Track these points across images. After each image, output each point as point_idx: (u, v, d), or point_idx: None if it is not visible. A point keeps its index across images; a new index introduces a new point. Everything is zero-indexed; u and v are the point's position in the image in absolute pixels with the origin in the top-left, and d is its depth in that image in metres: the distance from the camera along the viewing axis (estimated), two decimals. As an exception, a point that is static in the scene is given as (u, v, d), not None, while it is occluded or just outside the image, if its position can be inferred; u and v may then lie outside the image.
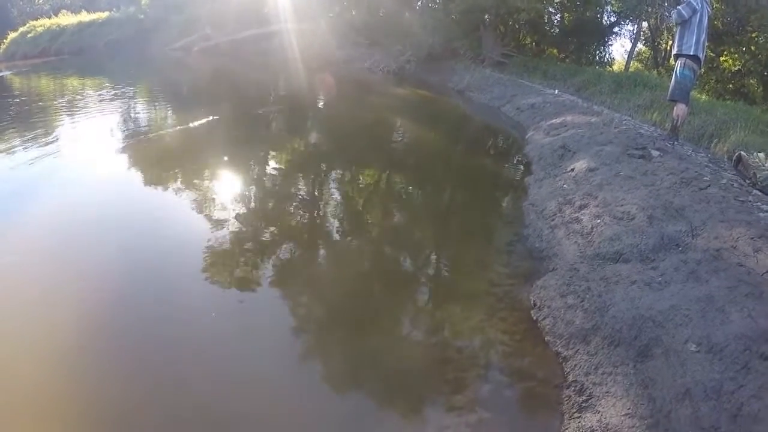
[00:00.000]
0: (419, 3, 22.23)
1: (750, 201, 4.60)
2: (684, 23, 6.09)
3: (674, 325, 2.97)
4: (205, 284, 4.03)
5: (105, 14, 31.50)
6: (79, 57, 26.12)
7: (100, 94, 13.23)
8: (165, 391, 2.91)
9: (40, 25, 31.22)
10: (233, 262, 4.40)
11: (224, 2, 24.66)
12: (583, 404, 2.83)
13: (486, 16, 17.28)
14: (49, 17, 32.82)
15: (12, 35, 31.11)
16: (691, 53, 6.11)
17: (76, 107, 11.17)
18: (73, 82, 16.70)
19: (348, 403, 3.01)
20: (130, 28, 29.04)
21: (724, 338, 2.72)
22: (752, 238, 3.64)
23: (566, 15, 18.89)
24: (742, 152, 5.88)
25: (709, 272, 3.36)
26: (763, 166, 5.43)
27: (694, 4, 5.98)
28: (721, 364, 2.60)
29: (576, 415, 2.79)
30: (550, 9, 18.63)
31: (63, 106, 11.38)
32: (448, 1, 18.68)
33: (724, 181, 5.18)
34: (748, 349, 2.61)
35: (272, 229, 5.10)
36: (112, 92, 13.53)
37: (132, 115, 10.73)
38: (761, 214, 4.23)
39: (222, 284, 4.05)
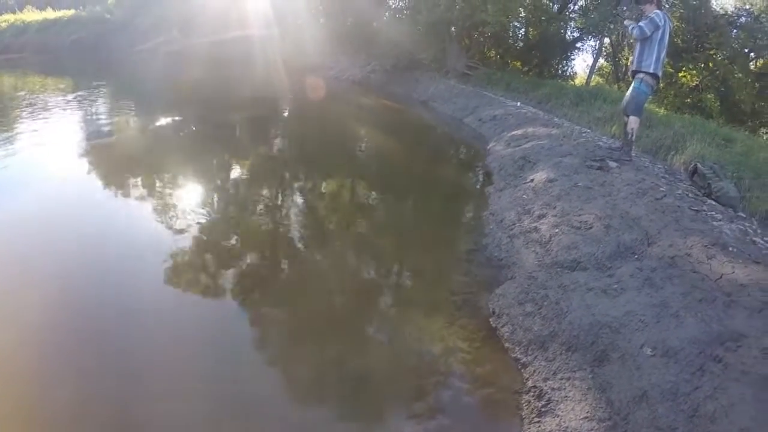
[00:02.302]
0: (386, 14, 22.32)
1: (704, 210, 4.73)
2: (645, 40, 6.04)
3: (630, 331, 3.02)
4: (163, 294, 3.92)
5: (71, 12, 30.63)
6: (43, 55, 25.24)
7: (62, 96, 12.80)
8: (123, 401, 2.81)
9: (4, 21, 30.15)
10: (191, 270, 4.30)
11: (192, 6, 24.31)
12: (543, 409, 2.84)
13: (452, 29, 17.43)
14: (14, 12, 31.88)
15: (-26, 30, 30.10)
16: (651, 71, 6.08)
17: (37, 108, 10.78)
18: (34, 82, 16.16)
19: (309, 411, 2.97)
20: (95, 27, 28.33)
21: (678, 342, 2.77)
22: (706, 245, 3.73)
23: (531, 29, 19.18)
24: (698, 163, 6.03)
25: (663, 279, 3.42)
26: (717, 176, 5.58)
27: (657, 20, 5.92)
28: (677, 367, 2.64)
29: (536, 419, 2.80)
30: (515, 23, 18.90)
31: (23, 107, 10.97)
32: (415, 13, 18.73)
33: (680, 191, 5.31)
34: (703, 352, 2.67)
35: (231, 239, 4.97)
36: (74, 95, 13.12)
37: (92, 118, 10.43)
38: (715, 223, 4.35)
39: (181, 293, 3.95)
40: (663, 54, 6.12)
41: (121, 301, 3.78)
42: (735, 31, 14.84)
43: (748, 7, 14.89)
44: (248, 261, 4.59)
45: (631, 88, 6.43)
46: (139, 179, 6.42)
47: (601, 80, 20.45)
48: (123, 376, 3.01)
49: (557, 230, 4.64)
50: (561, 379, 2.99)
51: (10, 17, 30.71)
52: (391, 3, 23.32)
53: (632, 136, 6.50)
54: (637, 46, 6.25)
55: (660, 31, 5.97)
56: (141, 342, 3.34)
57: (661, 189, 5.17)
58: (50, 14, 30.80)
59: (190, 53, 23.40)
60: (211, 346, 3.39)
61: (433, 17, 16.77)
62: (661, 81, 7.08)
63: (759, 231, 4.58)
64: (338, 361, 3.36)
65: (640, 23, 6.05)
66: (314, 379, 3.21)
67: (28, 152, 7.19)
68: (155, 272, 4.18)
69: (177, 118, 10.55)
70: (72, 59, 23.64)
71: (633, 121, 6.38)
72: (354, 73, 19.07)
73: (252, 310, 3.88)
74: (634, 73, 6.34)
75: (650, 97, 6.67)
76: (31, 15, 31.11)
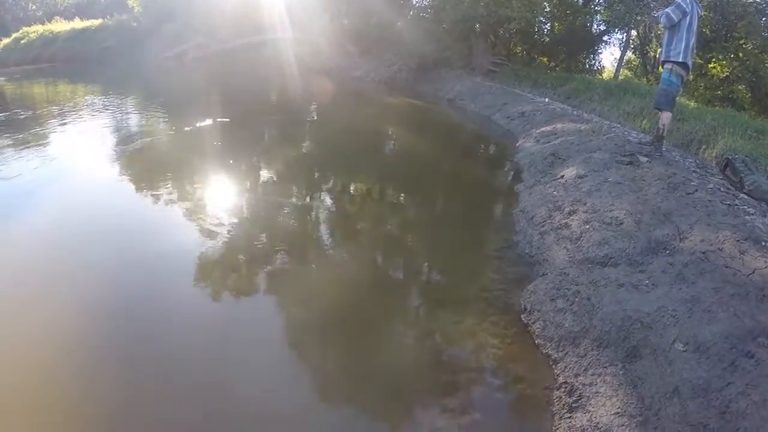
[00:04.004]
0: (411, 12, 22.33)
1: (736, 204, 4.68)
2: (673, 27, 5.85)
3: (662, 326, 3.02)
4: (199, 295, 4.03)
5: (98, 21, 31.04)
6: (72, 64, 25.83)
7: (92, 103, 13.12)
8: (156, 401, 2.92)
9: (33, 32, 30.77)
10: (227, 272, 4.40)
11: (217, 11, 24.65)
12: (574, 404, 2.87)
13: (477, 26, 17.37)
14: (42, 23, 32.59)
15: (5, 41, 30.77)
16: (680, 60, 5.89)
17: (69, 115, 11.09)
18: (65, 90, 16.60)
19: (343, 406, 3.04)
20: (123, 35, 28.81)
21: (710, 337, 2.77)
22: (738, 240, 3.71)
23: (556, 24, 19.04)
24: (729, 157, 5.94)
25: (695, 274, 3.41)
26: (749, 170, 5.51)
27: (684, 6, 5.73)
28: (709, 363, 2.65)
29: (567, 415, 2.83)
30: (540, 18, 18.75)
31: (55, 114, 11.29)
32: (440, 11, 18.73)
33: (711, 185, 5.25)
34: (735, 347, 2.67)
35: (266, 239, 5.07)
36: (105, 101, 13.43)
37: (123, 124, 10.66)
38: (747, 217, 4.31)
39: (216, 294, 4.05)
40: (692, 41, 5.91)
41: (159, 301, 3.92)
42: (764, 19, 14.49)
43: (775, -6, 14.55)
44: (280, 259, 4.68)
45: (661, 80, 6.29)
46: (177, 181, 6.62)
47: (629, 73, 20.21)
48: (153, 376, 3.13)
49: (588, 226, 4.64)
50: (592, 374, 3.02)
51: (39, 28, 31.30)
52: (414, 2, 23.36)
53: (663, 131, 6.38)
54: (665, 34, 6.09)
55: (688, 17, 5.79)
56: (174, 340, 3.47)
57: (693, 183, 5.12)
58: (78, 24, 31.27)
59: (216, 58, 23.73)
60: (246, 343, 3.49)
61: (458, 15, 16.78)
62: (691, 71, 6.83)
63: (793, 225, 4.53)
64: (371, 357, 3.45)
65: (667, 9, 5.90)
66: (348, 374, 3.29)
67: (64, 158, 7.47)
68: (194, 268, 4.35)
69: (208, 121, 10.74)
70: (101, 67, 24.08)
71: (665, 117, 6.27)
72: (379, 73, 19.08)
73: (285, 307, 3.99)
74: (664, 62, 6.19)
75: (681, 89, 6.52)
76: (60, 25, 31.65)
